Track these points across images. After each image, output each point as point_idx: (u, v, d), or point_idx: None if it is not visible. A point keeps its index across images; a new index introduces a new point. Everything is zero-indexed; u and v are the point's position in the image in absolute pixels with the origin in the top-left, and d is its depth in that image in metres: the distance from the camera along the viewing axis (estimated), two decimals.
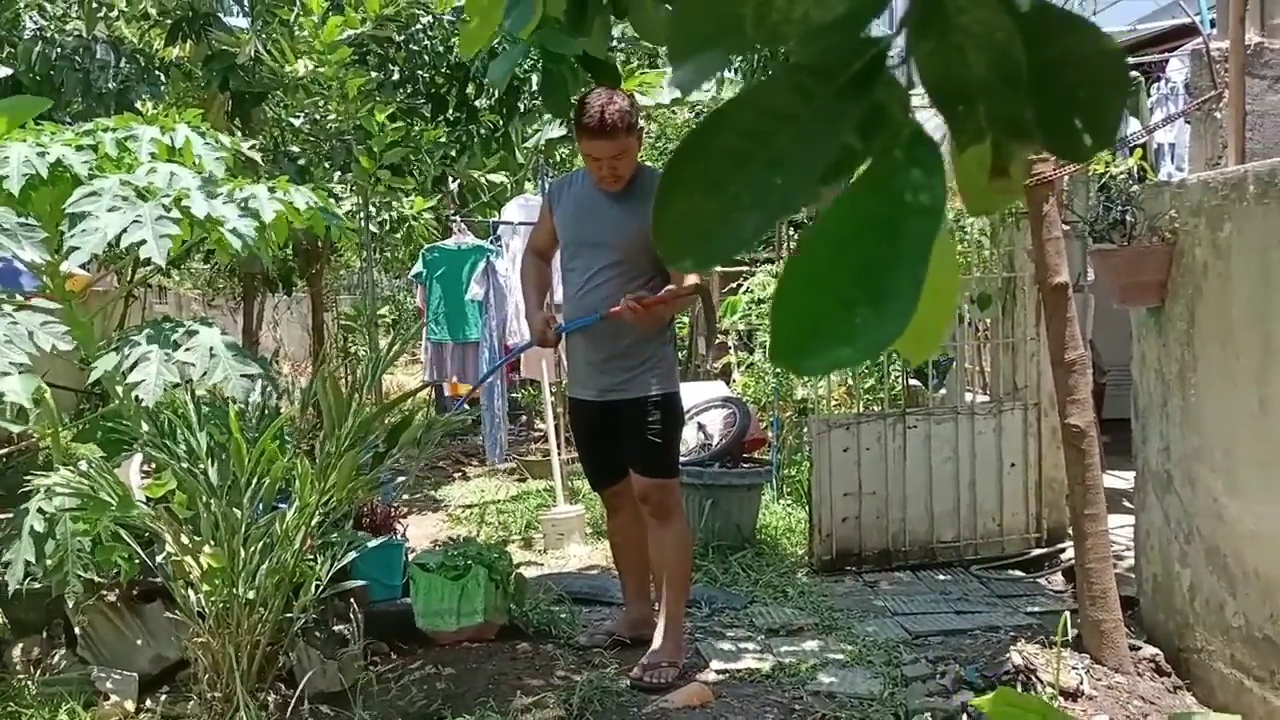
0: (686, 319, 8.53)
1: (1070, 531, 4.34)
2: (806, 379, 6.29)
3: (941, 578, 4.81)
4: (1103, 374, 5.83)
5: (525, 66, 5.10)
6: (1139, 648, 3.54)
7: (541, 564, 5.26)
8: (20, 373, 2.67)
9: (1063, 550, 4.95)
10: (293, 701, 3.24)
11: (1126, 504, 4.86)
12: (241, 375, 2.88)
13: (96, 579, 3.42)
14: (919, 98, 0.52)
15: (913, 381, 5.77)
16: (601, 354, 3.66)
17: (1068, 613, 3.44)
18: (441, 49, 5.70)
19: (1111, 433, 5.19)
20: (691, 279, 3.58)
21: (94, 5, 4.96)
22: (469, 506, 6.67)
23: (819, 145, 0.52)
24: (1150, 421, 3.71)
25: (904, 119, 0.52)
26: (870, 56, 0.52)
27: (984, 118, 0.52)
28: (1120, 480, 5.13)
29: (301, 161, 5.60)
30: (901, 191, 0.50)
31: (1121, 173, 3.77)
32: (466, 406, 9.08)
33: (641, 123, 3.62)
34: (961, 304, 5.00)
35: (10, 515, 3.22)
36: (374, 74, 5.51)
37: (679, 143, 0.55)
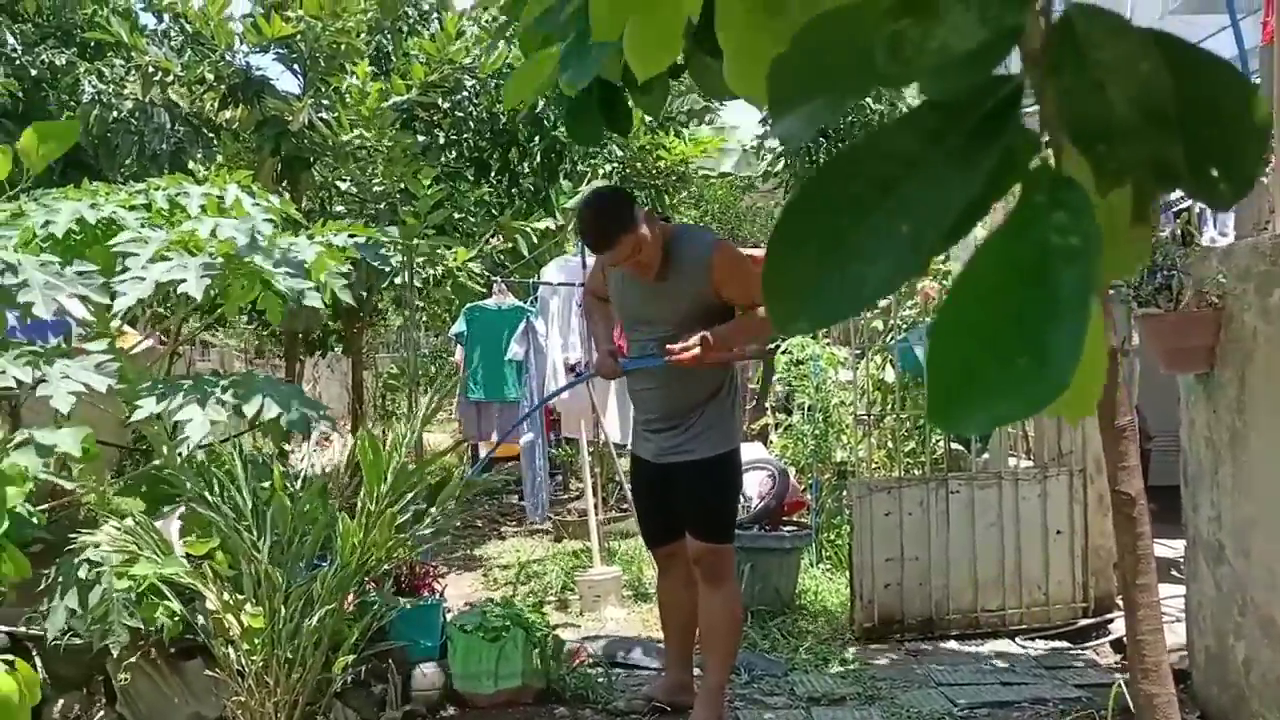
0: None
1: (1119, 601, 4.24)
2: (848, 444, 6.24)
3: (986, 648, 4.71)
4: (1148, 440, 5.74)
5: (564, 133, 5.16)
6: None
7: (579, 625, 5.20)
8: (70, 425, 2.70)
9: (1110, 621, 4.83)
10: None
11: (1174, 573, 4.75)
12: (300, 410, 2.88)
13: (142, 631, 3.42)
14: None
15: (954, 445, 5.69)
16: (658, 414, 3.63)
17: (1122, 683, 3.34)
18: (486, 115, 5.80)
19: (1157, 499, 5.08)
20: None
21: (150, 71, 5.10)
22: (505, 566, 6.63)
23: (950, 190, 0.49)
24: (1200, 489, 3.64)
25: (1039, 160, 0.49)
26: (1005, 94, 0.50)
27: (1127, 158, 0.49)
28: (1167, 549, 5.02)
29: (346, 222, 5.68)
30: (1048, 235, 0.47)
31: (1166, 236, 3.74)
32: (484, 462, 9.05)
33: (637, 215, 3.43)
34: None
35: (53, 570, 3.23)
36: (420, 138, 5.60)
37: (792, 194, 0.52)
